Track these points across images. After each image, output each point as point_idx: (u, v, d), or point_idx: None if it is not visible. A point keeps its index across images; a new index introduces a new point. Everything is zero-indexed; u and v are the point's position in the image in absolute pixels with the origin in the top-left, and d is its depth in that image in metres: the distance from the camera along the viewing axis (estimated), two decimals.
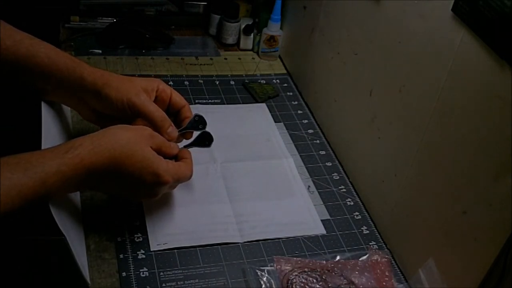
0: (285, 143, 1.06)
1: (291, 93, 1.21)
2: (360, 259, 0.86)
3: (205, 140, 0.89)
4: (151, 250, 0.82)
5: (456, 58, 0.72)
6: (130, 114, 0.82)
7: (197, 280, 0.79)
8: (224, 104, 1.14)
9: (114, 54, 1.22)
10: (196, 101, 1.12)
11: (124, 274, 0.78)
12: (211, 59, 1.27)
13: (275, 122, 1.11)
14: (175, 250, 0.83)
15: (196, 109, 1.06)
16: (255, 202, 0.93)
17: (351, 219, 0.94)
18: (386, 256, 0.87)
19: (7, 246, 0.68)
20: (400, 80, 0.85)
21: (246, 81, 1.21)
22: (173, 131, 0.84)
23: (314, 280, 0.80)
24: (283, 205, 0.93)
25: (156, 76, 1.16)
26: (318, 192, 0.98)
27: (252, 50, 1.32)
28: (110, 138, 0.73)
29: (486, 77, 0.67)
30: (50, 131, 0.81)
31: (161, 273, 0.79)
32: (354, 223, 0.93)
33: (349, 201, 0.97)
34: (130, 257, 0.81)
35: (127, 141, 0.74)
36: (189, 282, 0.79)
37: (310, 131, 1.11)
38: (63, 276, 0.74)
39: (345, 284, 0.81)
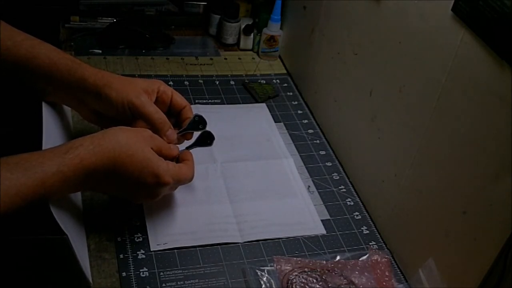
0: (285, 143, 1.06)
1: (291, 93, 1.21)
2: (360, 259, 0.86)
3: (207, 139, 0.89)
4: (151, 250, 0.82)
5: (456, 58, 0.72)
6: (130, 116, 0.82)
7: (197, 280, 0.79)
8: (224, 104, 1.14)
9: (114, 54, 1.21)
10: (196, 101, 1.12)
11: (124, 274, 0.78)
12: (211, 59, 1.27)
13: (275, 122, 1.11)
14: (175, 250, 0.83)
15: (196, 109, 1.06)
16: (255, 202, 0.93)
17: (351, 219, 0.94)
18: (386, 256, 0.87)
19: (8, 245, 0.68)
20: (400, 80, 0.85)
21: (246, 81, 1.21)
22: (172, 133, 0.84)
23: (314, 280, 0.80)
24: (283, 205, 0.93)
25: (156, 76, 1.16)
26: (318, 192, 0.98)
27: (252, 50, 1.32)
28: (110, 138, 0.73)
29: (486, 77, 0.67)
30: (50, 132, 0.81)
31: (161, 273, 0.79)
32: (354, 223, 0.93)
33: (349, 201, 0.97)
34: (130, 257, 0.81)
35: (127, 141, 0.74)
36: (189, 282, 0.79)
37: (310, 131, 1.11)
38: (65, 275, 0.74)
39: (345, 284, 0.81)
